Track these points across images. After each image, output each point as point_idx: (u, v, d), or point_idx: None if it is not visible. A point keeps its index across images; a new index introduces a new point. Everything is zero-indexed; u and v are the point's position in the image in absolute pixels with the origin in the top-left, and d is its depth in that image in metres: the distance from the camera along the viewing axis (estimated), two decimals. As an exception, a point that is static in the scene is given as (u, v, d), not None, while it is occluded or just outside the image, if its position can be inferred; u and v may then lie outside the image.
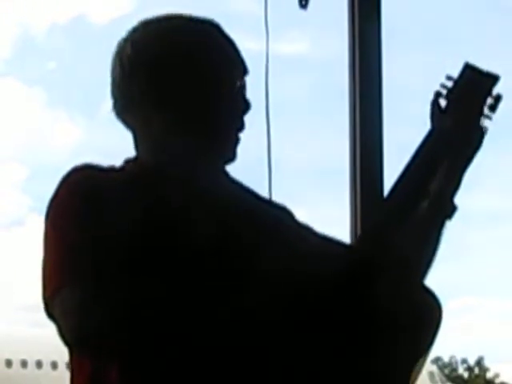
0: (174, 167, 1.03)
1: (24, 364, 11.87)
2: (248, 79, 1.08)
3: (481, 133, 1.12)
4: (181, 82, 1.04)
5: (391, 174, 1.24)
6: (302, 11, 1.60)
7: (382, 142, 1.59)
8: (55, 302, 0.92)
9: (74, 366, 0.98)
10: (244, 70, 1.09)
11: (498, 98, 1.13)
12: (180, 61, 1.03)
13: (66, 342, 0.92)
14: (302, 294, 0.96)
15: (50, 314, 0.93)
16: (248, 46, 1.19)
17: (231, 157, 1.06)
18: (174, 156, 1.04)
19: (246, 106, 1.06)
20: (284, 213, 1.11)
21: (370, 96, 1.60)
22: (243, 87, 1.08)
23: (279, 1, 1.55)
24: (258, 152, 1.27)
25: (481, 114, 1.13)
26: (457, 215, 1.12)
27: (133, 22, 1.07)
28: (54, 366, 11.44)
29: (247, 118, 1.06)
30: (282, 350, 0.92)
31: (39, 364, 12.03)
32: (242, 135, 1.08)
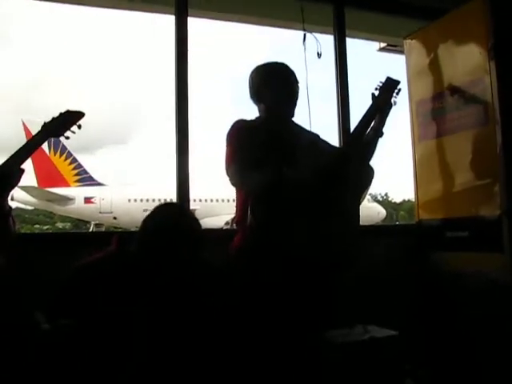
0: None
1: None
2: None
3: (392, 104, 2.39)
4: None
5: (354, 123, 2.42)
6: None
7: (349, 114, 3.49)
8: (227, 172, 2.20)
9: (236, 197, 2.30)
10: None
11: (399, 90, 2.43)
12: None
13: (233, 185, 2.22)
14: (324, 167, 2.14)
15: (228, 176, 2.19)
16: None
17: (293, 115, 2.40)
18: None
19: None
20: (317, 136, 2.46)
21: (344, 94, 3.51)
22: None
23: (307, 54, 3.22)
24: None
25: (392, 96, 2.38)
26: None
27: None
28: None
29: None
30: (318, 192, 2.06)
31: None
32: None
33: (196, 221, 2.02)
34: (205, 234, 2.05)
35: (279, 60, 2.50)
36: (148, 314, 1.82)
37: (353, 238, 2.16)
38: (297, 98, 2.43)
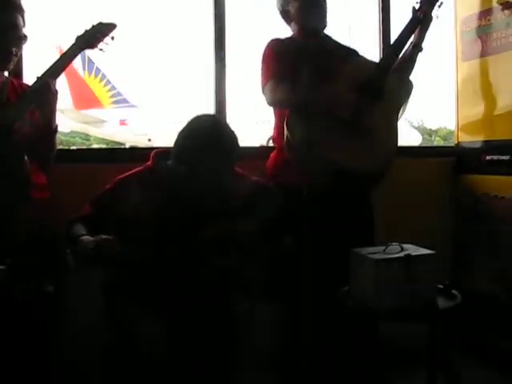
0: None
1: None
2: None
3: (432, 18, 2.35)
4: None
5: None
6: None
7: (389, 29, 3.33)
8: (263, 91, 2.29)
9: (275, 117, 2.41)
10: None
11: (441, 3, 2.37)
12: None
13: (269, 104, 2.28)
14: (361, 79, 2.18)
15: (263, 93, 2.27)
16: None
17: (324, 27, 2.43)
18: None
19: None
20: (355, 51, 2.52)
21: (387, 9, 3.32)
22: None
23: None
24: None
25: (433, 9, 2.34)
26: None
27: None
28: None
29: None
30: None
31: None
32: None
33: (232, 132, 1.97)
34: (242, 150, 2.02)
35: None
36: (183, 225, 1.84)
37: (390, 151, 2.19)
38: (324, 7, 2.42)
